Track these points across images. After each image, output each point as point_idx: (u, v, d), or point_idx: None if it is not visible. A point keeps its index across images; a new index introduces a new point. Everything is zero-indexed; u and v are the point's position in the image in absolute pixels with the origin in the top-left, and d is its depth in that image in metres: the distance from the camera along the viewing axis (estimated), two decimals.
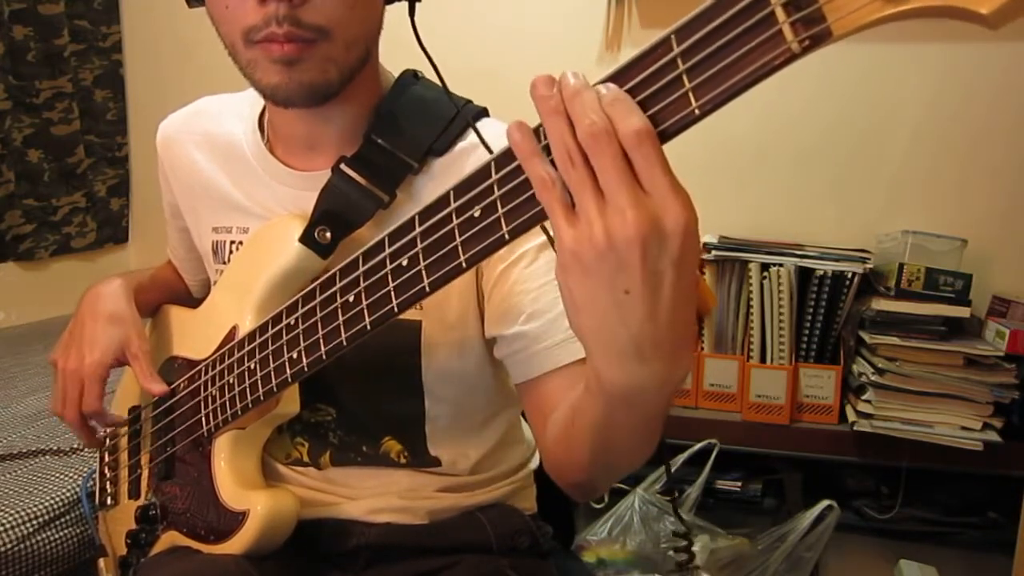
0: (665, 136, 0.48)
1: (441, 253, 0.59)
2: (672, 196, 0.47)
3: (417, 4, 0.85)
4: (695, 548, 1.50)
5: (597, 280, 0.49)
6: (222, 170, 0.94)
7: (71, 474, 1.36)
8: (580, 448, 0.68)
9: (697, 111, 0.46)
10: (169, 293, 1.10)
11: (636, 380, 0.53)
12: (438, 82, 0.86)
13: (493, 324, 0.85)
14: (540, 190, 0.50)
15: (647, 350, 0.51)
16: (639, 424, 0.62)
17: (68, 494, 1.31)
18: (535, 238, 0.81)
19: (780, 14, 0.42)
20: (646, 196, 0.47)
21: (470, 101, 0.90)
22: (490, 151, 0.79)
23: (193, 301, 1.08)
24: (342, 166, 0.84)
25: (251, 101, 0.96)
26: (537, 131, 0.52)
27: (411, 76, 0.91)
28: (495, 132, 0.87)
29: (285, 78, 0.76)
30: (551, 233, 0.59)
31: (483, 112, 0.90)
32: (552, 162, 0.50)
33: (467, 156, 0.85)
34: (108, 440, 1.03)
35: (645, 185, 0.47)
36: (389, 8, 0.84)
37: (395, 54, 0.89)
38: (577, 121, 0.48)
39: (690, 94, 0.46)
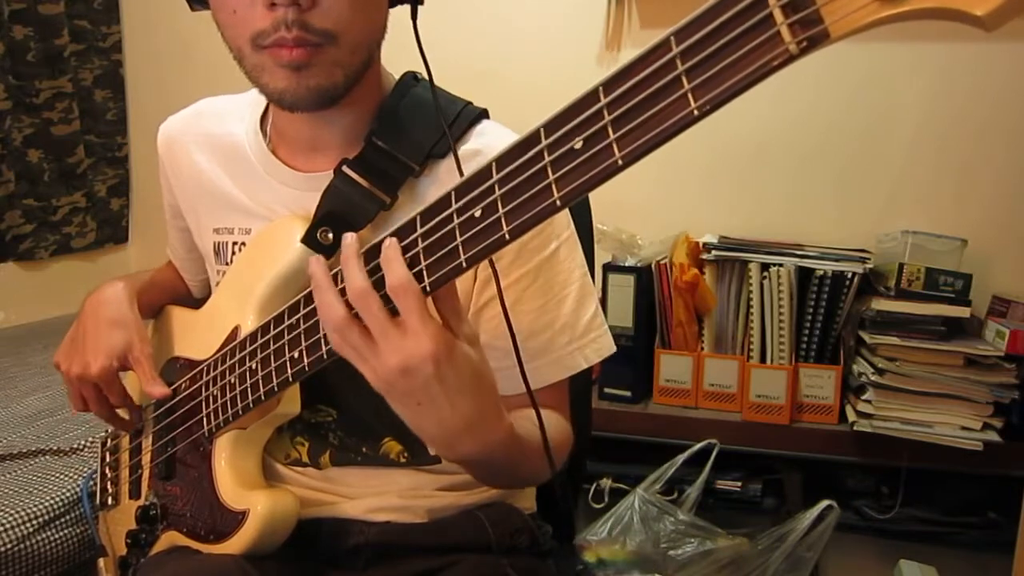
0: (663, 138, 0.48)
1: (442, 253, 0.60)
2: (421, 334, 0.61)
3: (419, 6, 0.85)
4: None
5: (396, 399, 0.66)
6: (224, 171, 0.95)
7: (71, 474, 1.36)
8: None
9: (696, 112, 0.46)
10: (170, 294, 1.10)
11: (452, 456, 0.71)
12: (437, 88, 0.87)
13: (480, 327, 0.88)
14: (334, 340, 0.66)
15: (448, 437, 0.67)
16: (495, 472, 0.80)
17: (68, 494, 1.31)
18: (515, 271, 0.86)
19: (778, 15, 0.43)
20: (402, 337, 0.62)
21: (470, 103, 0.90)
22: (461, 173, 0.79)
23: (194, 302, 1.08)
24: (344, 168, 0.84)
25: (252, 102, 0.96)
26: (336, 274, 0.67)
27: (411, 78, 0.91)
28: (495, 134, 0.87)
29: (293, 83, 0.76)
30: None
31: (483, 114, 0.90)
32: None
33: (469, 159, 0.85)
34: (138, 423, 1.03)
35: (403, 326, 0.62)
36: (391, 11, 0.84)
37: (395, 55, 0.89)
38: (346, 283, 0.64)
39: (689, 95, 0.46)
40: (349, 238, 0.66)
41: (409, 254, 0.63)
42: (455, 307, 0.67)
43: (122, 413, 0.98)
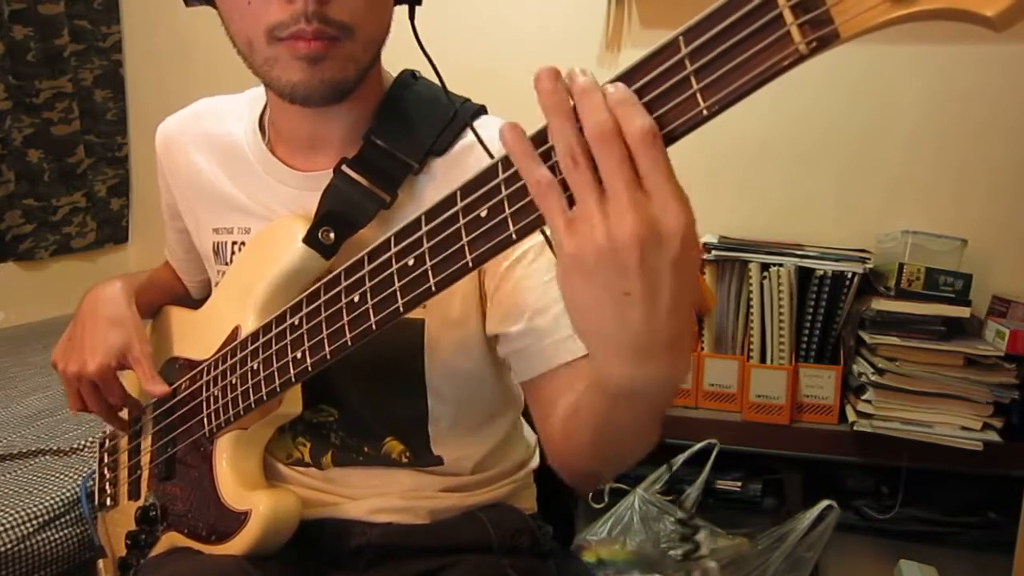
0: (673, 137, 0.48)
1: (448, 253, 0.59)
2: (672, 199, 0.48)
3: (417, 7, 0.85)
4: (699, 537, 1.51)
5: (597, 282, 0.50)
6: (223, 171, 0.94)
7: (71, 474, 1.36)
8: (583, 441, 0.70)
9: (705, 112, 0.46)
10: (168, 294, 1.10)
11: (638, 378, 0.54)
12: (438, 83, 0.87)
13: (497, 322, 0.85)
14: (537, 193, 0.51)
15: (648, 350, 0.52)
16: (641, 419, 0.64)
17: (68, 494, 1.31)
18: (538, 234, 0.80)
19: (788, 16, 0.43)
20: (646, 199, 0.48)
21: (468, 100, 0.90)
22: (490, 154, 0.79)
23: (192, 302, 1.08)
24: (343, 167, 0.84)
25: (250, 101, 0.96)
26: (534, 133, 0.52)
27: (409, 76, 0.91)
28: (495, 127, 0.87)
29: (307, 75, 0.75)
30: (548, 235, 0.58)
31: (481, 110, 0.90)
32: (547, 165, 0.51)
33: (467, 155, 0.85)
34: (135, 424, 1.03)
35: (647, 187, 0.48)
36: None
37: (395, 55, 0.89)
38: (585, 119, 0.49)
39: (698, 95, 0.46)
40: (579, 72, 0.50)
41: (414, 254, 0.62)
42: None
43: (121, 413, 0.98)
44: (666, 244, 0.48)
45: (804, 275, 1.72)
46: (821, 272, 1.70)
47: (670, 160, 0.48)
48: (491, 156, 0.57)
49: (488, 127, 0.87)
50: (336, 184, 0.84)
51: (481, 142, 0.82)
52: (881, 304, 1.67)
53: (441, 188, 0.59)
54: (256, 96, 0.95)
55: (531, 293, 0.81)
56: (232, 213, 0.93)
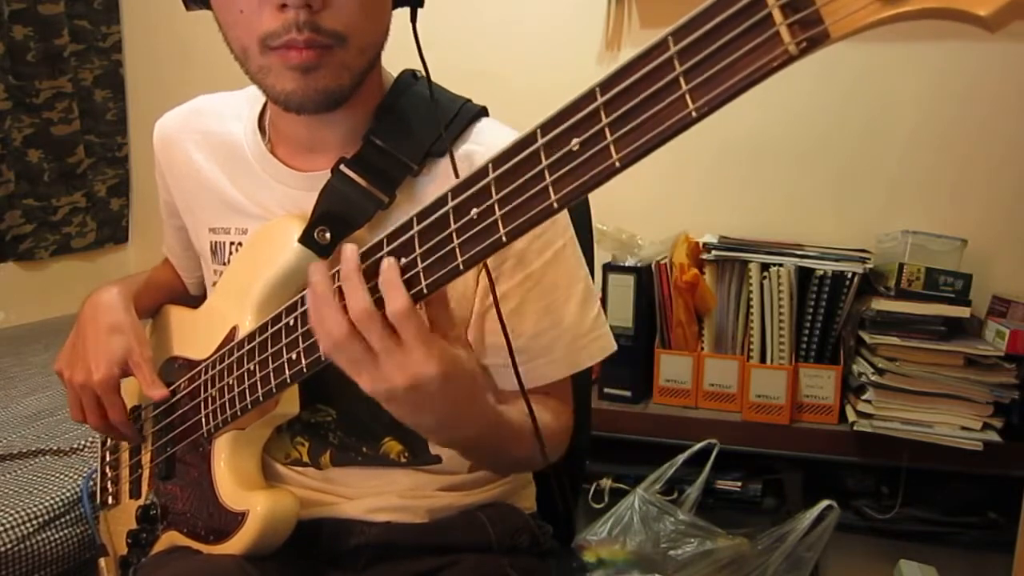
0: (661, 139, 0.48)
1: (439, 255, 0.59)
2: (427, 355, 0.64)
3: (419, 10, 0.85)
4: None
5: (395, 406, 0.68)
6: (221, 170, 0.94)
7: (71, 474, 1.36)
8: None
9: (694, 113, 0.46)
10: (168, 293, 1.10)
11: (452, 443, 0.78)
12: (436, 87, 0.87)
13: (479, 347, 0.89)
14: (331, 352, 0.67)
15: (447, 430, 0.73)
16: (485, 458, 0.87)
17: (68, 494, 1.31)
18: (518, 274, 0.86)
19: (777, 16, 0.42)
20: (407, 357, 0.64)
21: (469, 100, 0.90)
22: (457, 175, 0.80)
23: (192, 300, 1.08)
24: (342, 167, 0.83)
25: (250, 100, 0.96)
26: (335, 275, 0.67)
27: (410, 76, 0.90)
28: (494, 132, 0.87)
29: (301, 84, 0.75)
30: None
31: (482, 111, 0.90)
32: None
33: (467, 156, 0.85)
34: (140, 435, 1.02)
35: (408, 348, 0.64)
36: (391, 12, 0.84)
37: (395, 55, 0.89)
38: (348, 302, 0.65)
39: (687, 96, 0.46)
40: (349, 251, 0.66)
41: (407, 257, 0.62)
42: (448, 313, 0.69)
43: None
44: (428, 387, 0.65)
45: (804, 275, 1.72)
46: (821, 272, 1.70)
47: (424, 322, 0.64)
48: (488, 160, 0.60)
49: (487, 131, 0.87)
50: (334, 184, 0.83)
51: (453, 165, 0.83)
52: (881, 304, 1.67)
53: (440, 189, 0.60)
54: (256, 94, 0.95)
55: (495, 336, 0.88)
56: (230, 213, 0.93)
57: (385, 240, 0.64)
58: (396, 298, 0.62)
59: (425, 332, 0.64)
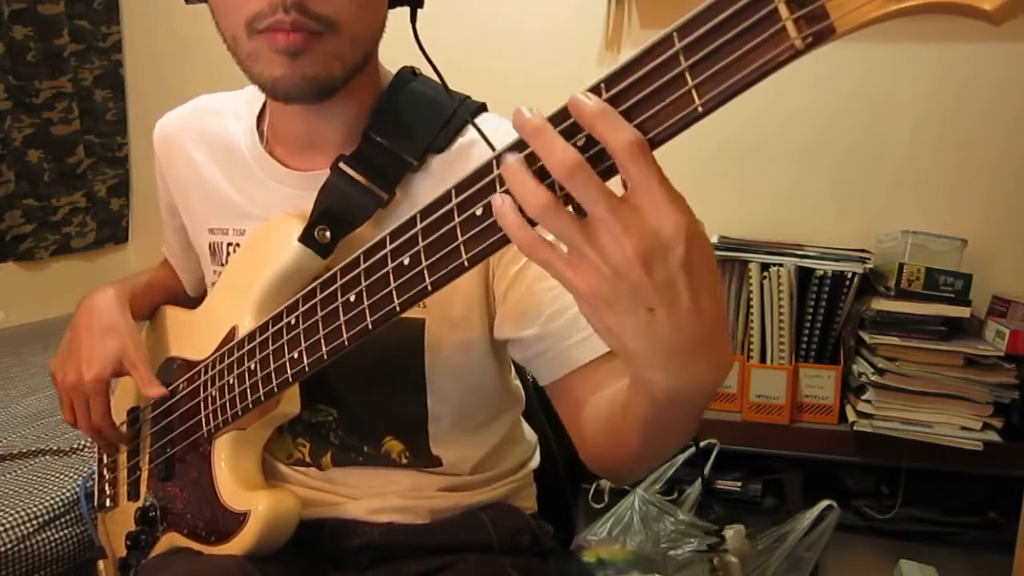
0: (667, 135, 0.47)
1: (443, 252, 0.59)
2: (665, 205, 0.47)
3: (419, 10, 0.85)
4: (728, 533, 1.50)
5: (619, 309, 0.50)
6: (220, 170, 0.94)
7: (71, 474, 1.36)
8: (630, 442, 0.69)
9: (700, 109, 0.46)
10: (166, 294, 1.09)
11: (679, 384, 0.54)
12: (435, 83, 0.86)
13: (510, 326, 0.84)
14: (531, 252, 0.52)
15: (682, 356, 0.52)
16: (685, 418, 0.64)
17: (68, 494, 1.31)
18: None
19: (783, 11, 0.42)
20: (637, 214, 0.47)
21: (469, 97, 0.89)
22: (492, 147, 0.78)
23: (191, 301, 1.08)
24: (341, 164, 0.83)
25: (249, 100, 0.95)
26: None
27: (409, 73, 0.90)
28: (495, 127, 0.87)
29: (288, 70, 0.75)
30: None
31: (482, 107, 0.89)
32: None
33: (467, 153, 0.85)
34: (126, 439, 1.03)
35: (637, 200, 0.47)
36: (390, 12, 0.84)
37: (395, 55, 0.89)
38: (546, 161, 0.49)
39: (693, 92, 0.46)
40: (526, 111, 0.50)
41: (409, 253, 0.62)
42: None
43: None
44: (671, 251, 0.48)
45: (804, 275, 1.72)
46: (821, 272, 1.70)
47: (658, 164, 0.47)
48: (493, 149, 0.56)
49: (489, 124, 0.86)
50: (333, 182, 0.83)
51: (484, 137, 0.81)
52: (881, 304, 1.67)
53: (439, 186, 0.59)
54: (255, 94, 0.95)
55: (546, 295, 0.81)
56: (229, 214, 0.93)
57: (388, 237, 0.64)
58: (622, 127, 0.47)
59: (662, 176, 0.48)
